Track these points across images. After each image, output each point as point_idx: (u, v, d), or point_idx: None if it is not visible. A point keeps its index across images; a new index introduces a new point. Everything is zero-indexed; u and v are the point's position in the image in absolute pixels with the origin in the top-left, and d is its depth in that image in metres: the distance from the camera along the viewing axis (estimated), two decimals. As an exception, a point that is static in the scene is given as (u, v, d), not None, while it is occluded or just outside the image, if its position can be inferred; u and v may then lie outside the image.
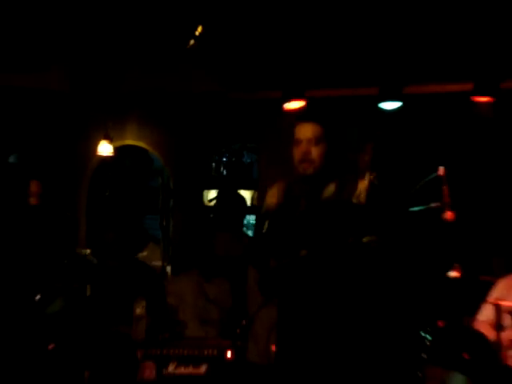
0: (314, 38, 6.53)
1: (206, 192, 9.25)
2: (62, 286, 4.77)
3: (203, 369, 4.81)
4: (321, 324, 3.84)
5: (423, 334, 4.68)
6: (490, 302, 4.84)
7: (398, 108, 6.69)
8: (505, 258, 5.80)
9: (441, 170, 4.45)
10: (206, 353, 4.85)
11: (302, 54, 6.72)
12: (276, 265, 3.93)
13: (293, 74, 6.68)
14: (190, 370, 4.82)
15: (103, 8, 6.15)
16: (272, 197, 3.98)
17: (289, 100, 6.49)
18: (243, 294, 5.84)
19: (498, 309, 4.69)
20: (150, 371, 4.81)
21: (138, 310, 5.19)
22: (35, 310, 4.68)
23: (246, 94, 8.02)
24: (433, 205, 4.36)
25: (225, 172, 10.04)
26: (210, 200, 8.99)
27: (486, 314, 4.98)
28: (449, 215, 4.32)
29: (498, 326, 4.66)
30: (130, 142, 8.99)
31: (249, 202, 9.01)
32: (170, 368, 4.84)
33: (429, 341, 4.69)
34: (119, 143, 8.72)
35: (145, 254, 7.73)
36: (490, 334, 4.74)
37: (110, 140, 8.26)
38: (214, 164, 9.67)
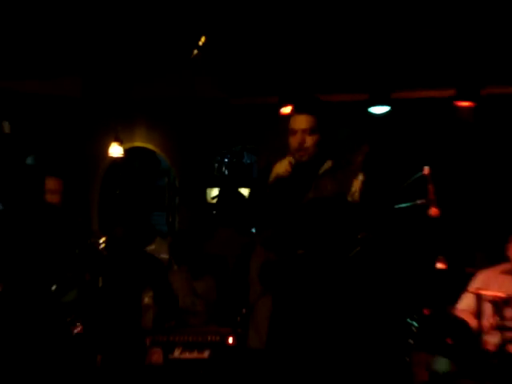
0: (308, 49, 6.54)
1: (209, 190, 9.25)
2: (76, 277, 4.76)
3: (206, 354, 4.82)
4: (313, 313, 3.84)
5: (410, 322, 4.69)
6: (471, 292, 4.85)
7: (387, 112, 6.70)
8: (486, 252, 5.81)
9: (426, 170, 4.46)
10: (209, 339, 4.86)
11: (298, 64, 6.73)
12: (276, 260, 3.94)
13: (289, 81, 6.69)
14: (194, 354, 4.83)
15: (113, 21, 6.15)
16: (283, 166, 3.95)
17: (285, 105, 6.50)
18: (228, 288, 5.89)
19: (479, 298, 4.70)
20: (157, 356, 4.82)
21: (146, 300, 5.21)
22: (51, 299, 4.68)
23: (246, 99, 8.03)
24: (419, 202, 4.36)
25: (226, 172, 10.04)
26: (213, 197, 9.00)
27: (466, 302, 4.98)
28: (434, 211, 4.32)
29: (479, 314, 4.67)
30: (138, 144, 9.00)
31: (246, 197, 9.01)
32: (176, 353, 4.85)
33: (415, 327, 4.70)
34: (129, 145, 8.73)
35: (152, 247, 7.73)
36: (471, 321, 4.75)
37: (120, 142, 8.25)
38: (216, 164, 9.67)
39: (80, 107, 8.46)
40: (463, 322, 4.79)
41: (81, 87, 8.22)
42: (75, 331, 4.55)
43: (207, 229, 6.45)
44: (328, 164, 4.00)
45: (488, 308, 4.68)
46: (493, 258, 5.20)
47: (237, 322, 4.67)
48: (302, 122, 3.94)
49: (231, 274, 5.75)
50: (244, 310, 4.60)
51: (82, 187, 8.35)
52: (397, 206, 4.29)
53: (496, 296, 4.68)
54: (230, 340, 4.73)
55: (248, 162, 10.15)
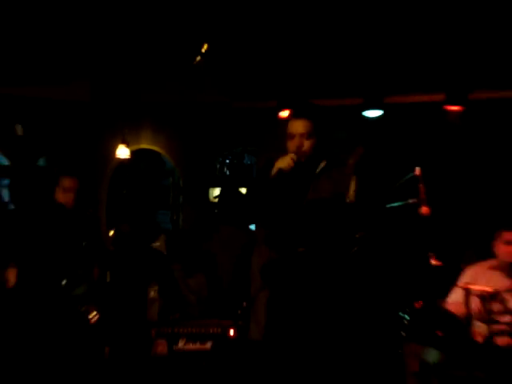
0: (305, 56, 6.54)
1: (211, 189, 9.24)
2: (85, 272, 4.76)
3: (209, 345, 4.82)
4: (312, 308, 3.84)
5: (402, 315, 4.69)
6: (460, 286, 4.85)
7: (380, 116, 6.70)
8: (474, 249, 5.81)
9: (417, 171, 4.46)
10: (211, 331, 4.86)
11: (296, 70, 6.73)
12: (277, 257, 3.94)
13: (287, 86, 6.69)
14: (197, 346, 4.83)
15: (120, 30, 6.16)
16: (286, 161, 3.96)
17: (283, 109, 6.51)
18: (216, 285, 5.90)
19: (468, 292, 4.70)
20: (162, 347, 4.82)
21: (152, 294, 5.21)
22: (62, 293, 4.68)
23: (246, 103, 8.02)
24: (410, 201, 4.37)
25: (228, 172, 10.03)
26: (215, 197, 9.00)
27: (456, 296, 4.98)
28: (424, 210, 4.32)
29: (468, 307, 4.67)
30: (144, 146, 8.98)
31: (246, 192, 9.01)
32: (180, 344, 4.86)
33: (407, 320, 4.70)
34: (135, 147, 8.72)
35: (158, 244, 7.73)
36: (460, 314, 4.75)
37: (127, 144, 8.24)
38: (218, 165, 9.65)
39: (89, 111, 8.45)
40: (452, 315, 4.79)
41: (90, 92, 8.20)
42: (92, 320, 4.56)
43: (209, 227, 6.45)
44: (323, 164, 4.02)
45: (476, 302, 4.68)
46: (481, 255, 5.20)
47: (238, 314, 4.68)
48: (299, 126, 3.97)
49: (233, 270, 5.75)
50: (244, 304, 4.61)
51: (91, 186, 8.35)
52: (390, 205, 4.29)
53: (483, 290, 4.68)
54: (231, 332, 4.74)
55: (248, 163, 10.12)
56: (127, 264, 5.39)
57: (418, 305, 4.77)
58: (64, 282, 4.69)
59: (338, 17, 5.82)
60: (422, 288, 5.16)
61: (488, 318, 4.57)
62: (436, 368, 4.61)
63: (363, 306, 3.99)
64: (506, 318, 4.61)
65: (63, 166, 5.56)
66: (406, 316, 4.71)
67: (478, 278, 5.01)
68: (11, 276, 4.82)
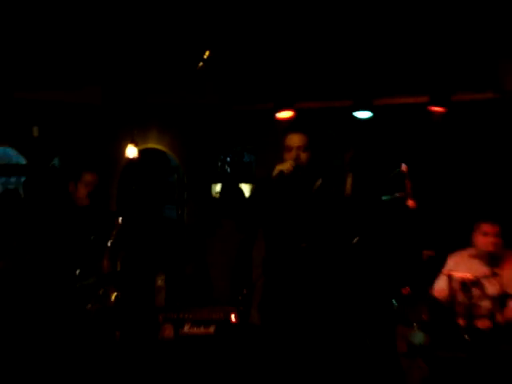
0: (300, 62, 6.54)
1: (213, 185, 9.24)
2: (95, 264, 4.75)
3: (212, 329, 4.81)
4: (307, 293, 3.84)
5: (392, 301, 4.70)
6: (444, 274, 4.85)
7: (370, 117, 6.69)
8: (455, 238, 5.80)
9: (403, 167, 4.46)
10: (214, 316, 4.86)
11: (291, 75, 6.73)
12: (280, 252, 3.93)
13: (283, 90, 6.69)
14: (201, 330, 4.83)
15: (129, 39, 6.16)
16: (286, 165, 3.98)
17: (280, 110, 6.50)
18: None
19: (451, 278, 4.71)
20: (169, 331, 4.82)
21: (159, 282, 5.20)
22: (76, 281, 4.68)
23: (245, 106, 8.01)
24: (397, 195, 4.37)
25: (228, 169, 10.02)
26: (217, 192, 8.99)
27: (440, 283, 4.99)
28: (411, 203, 4.33)
29: (451, 293, 4.68)
30: (151, 145, 8.97)
31: (248, 194, 8.99)
32: (186, 329, 4.85)
33: (395, 306, 4.71)
34: (143, 147, 8.70)
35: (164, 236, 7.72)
36: (444, 298, 4.76)
37: (136, 144, 8.24)
38: (219, 163, 9.64)
39: (100, 114, 8.43)
40: (437, 300, 4.80)
41: (101, 96, 8.19)
42: (112, 301, 4.54)
43: (212, 222, 6.43)
44: (319, 182, 4.03)
45: (458, 287, 4.69)
46: (461, 244, 5.19)
47: (239, 301, 4.67)
48: (296, 139, 4.02)
49: (235, 260, 5.74)
50: (245, 291, 4.60)
51: (102, 184, 8.33)
52: (380, 198, 4.30)
53: (464, 277, 4.69)
54: (233, 317, 4.73)
55: (247, 160, 10.10)
56: (136, 255, 5.38)
57: (405, 291, 4.78)
58: (78, 272, 4.68)
59: (330, 27, 5.84)
60: (412, 276, 5.15)
61: (469, 302, 4.57)
62: (422, 349, 4.61)
63: (358, 292, 3.99)
64: (485, 303, 4.62)
65: (85, 163, 5.55)
66: (394, 301, 4.73)
67: (460, 266, 5.01)
68: None
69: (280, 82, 6.79)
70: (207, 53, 6.18)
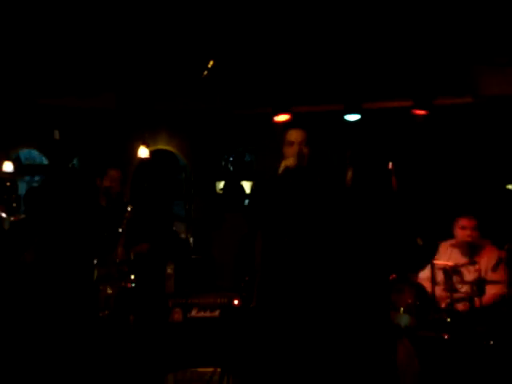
0: (295, 70, 6.53)
1: (217, 183, 9.23)
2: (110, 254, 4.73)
3: (217, 313, 4.80)
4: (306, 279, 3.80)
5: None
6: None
7: (359, 120, 6.68)
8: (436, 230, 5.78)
9: (390, 165, 4.45)
10: (219, 301, 4.84)
11: (287, 81, 6.72)
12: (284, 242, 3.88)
13: (280, 96, 6.67)
14: (207, 313, 4.81)
15: (140, 52, 6.16)
16: (290, 160, 3.90)
17: (277, 114, 6.49)
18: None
19: (433, 266, 4.70)
20: (178, 315, 4.81)
21: (169, 270, 5.18)
22: (92, 271, 4.67)
23: (246, 110, 8.00)
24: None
25: (231, 168, 10.00)
26: (221, 189, 8.98)
27: (424, 270, 4.98)
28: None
29: (433, 279, 4.67)
30: (161, 146, 8.96)
31: (249, 191, 8.98)
32: (193, 312, 4.83)
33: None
34: (153, 148, 8.69)
35: (173, 229, 7.71)
36: (427, 283, 4.75)
37: (147, 146, 8.22)
38: (223, 162, 9.62)
39: (115, 118, 8.43)
40: (421, 286, 4.80)
41: (115, 102, 8.18)
42: (129, 286, 4.53)
43: (217, 217, 6.39)
44: (317, 180, 3.97)
45: (440, 274, 4.69)
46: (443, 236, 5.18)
47: (241, 287, 4.65)
48: (298, 135, 3.94)
49: (238, 250, 5.71)
50: (247, 278, 4.59)
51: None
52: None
53: (446, 265, 4.69)
54: (236, 302, 4.72)
55: (248, 159, 10.09)
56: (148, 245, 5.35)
57: (390, 277, 4.77)
58: (95, 262, 4.67)
59: (322, 40, 5.84)
60: (398, 263, 5.12)
61: (450, 287, 4.57)
62: (407, 330, 4.61)
63: (354, 276, 3.96)
64: (464, 288, 4.61)
65: (110, 160, 5.54)
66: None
67: (442, 255, 5.01)
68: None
69: (277, 88, 6.77)
70: (211, 62, 6.16)
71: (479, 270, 4.57)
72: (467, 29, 5.65)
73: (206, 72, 6.22)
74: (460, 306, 4.61)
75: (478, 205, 5.49)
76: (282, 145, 4.00)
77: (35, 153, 9.54)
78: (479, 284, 4.49)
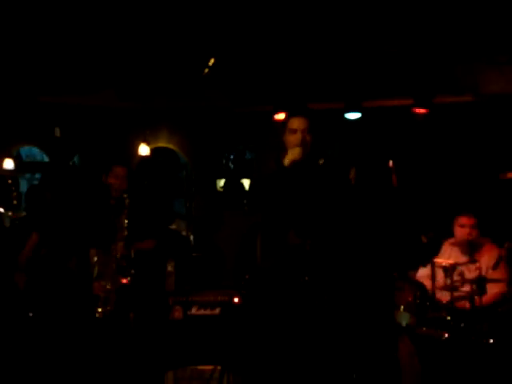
0: (296, 68, 6.51)
1: (218, 181, 9.21)
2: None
3: (218, 311, 4.77)
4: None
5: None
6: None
7: (359, 118, 6.66)
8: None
9: (390, 163, 4.43)
10: (219, 299, 4.81)
11: (288, 80, 6.70)
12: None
13: (280, 94, 6.65)
14: (207, 311, 4.79)
15: (139, 50, 6.15)
16: (296, 152, 3.79)
17: (277, 112, 6.46)
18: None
19: (433, 264, 4.68)
20: (178, 313, 4.78)
21: (169, 268, 5.16)
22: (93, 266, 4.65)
23: (247, 108, 7.98)
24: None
25: (232, 166, 9.99)
26: (221, 187, 8.97)
27: (424, 269, 4.95)
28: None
29: (433, 277, 4.65)
30: (162, 144, 8.95)
31: (251, 187, 8.96)
32: (193, 310, 4.81)
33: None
34: (154, 145, 8.68)
35: (174, 226, 7.69)
36: (427, 282, 4.73)
37: (148, 143, 8.21)
38: (223, 160, 9.61)
39: (115, 116, 8.41)
40: (420, 284, 4.77)
41: (116, 99, 8.17)
42: (128, 281, 4.50)
43: (217, 217, 6.35)
44: (321, 161, 3.89)
45: (440, 272, 4.66)
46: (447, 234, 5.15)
47: (241, 285, 4.63)
48: (301, 122, 3.80)
49: (239, 249, 5.67)
50: (247, 276, 4.55)
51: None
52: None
53: (446, 263, 4.66)
54: (236, 300, 4.69)
55: (249, 157, 10.08)
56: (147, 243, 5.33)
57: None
58: (95, 259, 4.64)
59: (323, 39, 5.82)
60: (399, 261, 5.08)
61: (450, 286, 4.55)
62: (407, 328, 4.58)
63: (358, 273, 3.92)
64: (465, 287, 4.59)
65: (115, 157, 5.47)
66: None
67: (443, 253, 4.99)
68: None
69: (278, 86, 6.75)
70: (212, 61, 6.14)
71: (479, 269, 4.54)
72: (468, 27, 5.63)
73: (206, 70, 6.20)
74: (460, 305, 4.58)
75: (478, 203, 5.46)
76: (282, 134, 3.88)
77: (36, 150, 9.52)
78: (480, 282, 4.46)
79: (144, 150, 8.21)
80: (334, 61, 6.42)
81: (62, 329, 4.68)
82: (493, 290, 4.57)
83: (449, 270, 4.57)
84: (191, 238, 7.76)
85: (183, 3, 5.36)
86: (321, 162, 3.88)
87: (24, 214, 6.33)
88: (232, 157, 9.94)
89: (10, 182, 6.69)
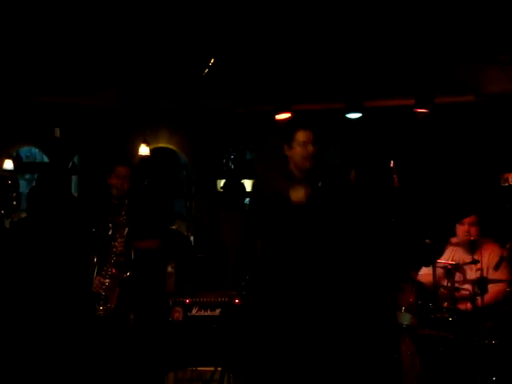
0: (297, 68, 6.51)
1: (218, 181, 9.21)
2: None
3: (218, 312, 4.78)
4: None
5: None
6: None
7: (360, 117, 6.65)
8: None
9: (391, 163, 4.42)
10: (220, 300, 4.81)
11: (288, 80, 6.69)
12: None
13: (281, 94, 6.64)
14: (208, 312, 4.79)
15: (140, 50, 6.15)
16: (300, 196, 3.83)
17: (278, 112, 6.46)
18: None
19: (434, 264, 4.67)
20: (178, 314, 4.78)
21: (169, 269, 5.16)
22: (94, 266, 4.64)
23: (247, 108, 7.97)
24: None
25: (232, 166, 9.98)
26: (222, 187, 8.96)
27: (425, 269, 4.94)
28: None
29: (434, 278, 4.64)
30: (162, 144, 8.94)
31: (250, 189, 8.97)
32: (194, 311, 4.81)
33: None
34: (154, 146, 8.67)
35: (174, 227, 7.69)
36: (428, 283, 4.72)
37: (148, 144, 8.21)
38: (224, 160, 9.61)
39: (115, 116, 8.40)
40: (422, 285, 4.76)
41: (116, 100, 8.16)
42: (126, 275, 4.49)
43: (217, 217, 6.33)
44: (319, 184, 3.91)
45: (442, 273, 4.66)
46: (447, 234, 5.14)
47: (242, 286, 4.62)
48: (309, 135, 3.87)
49: (239, 250, 5.64)
50: (247, 277, 4.54)
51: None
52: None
53: (447, 263, 4.66)
54: (237, 301, 4.69)
55: (249, 157, 10.08)
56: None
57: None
58: (95, 260, 4.63)
59: (324, 39, 5.82)
60: (408, 262, 5.06)
61: (452, 286, 4.54)
62: (409, 329, 4.58)
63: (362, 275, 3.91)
64: (466, 287, 4.58)
65: (117, 157, 5.43)
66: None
67: (444, 253, 4.98)
68: None
69: (278, 86, 6.74)
70: (212, 60, 6.14)
71: (481, 269, 4.53)
72: (469, 27, 5.62)
73: (207, 70, 6.20)
74: (462, 305, 4.57)
75: (480, 203, 5.45)
76: (286, 145, 3.90)
77: (35, 150, 9.52)
78: (481, 283, 4.45)
79: (144, 150, 8.21)
80: (335, 61, 6.41)
81: (62, 329, 4.67)
82: (494, 289, 4.56)
83: (450, 270, 4.56)
84: (192, 238, 7.76)
85: (183, 3, 5.36)
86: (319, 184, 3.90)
87: (24, 214, 6.34)
88: (232, 157, 9.93)
89: (9, 182, 6.67)
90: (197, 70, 6.44)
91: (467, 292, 4.54)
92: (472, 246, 4.81)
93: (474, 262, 4.62)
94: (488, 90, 6.72)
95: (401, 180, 4.48)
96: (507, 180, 5.95)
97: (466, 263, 4.69)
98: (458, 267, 4.65)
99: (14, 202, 6.18)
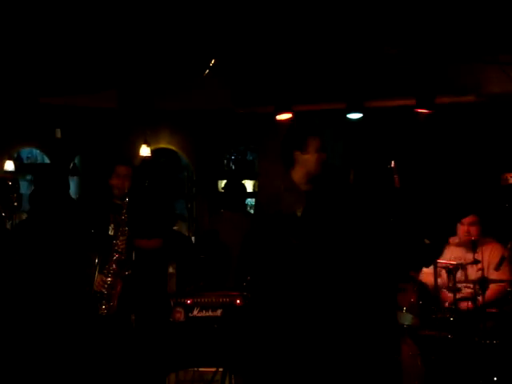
0: (297, 68, 6.51)
1: (219, 182, 9.22)
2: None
3: (219, 312, 4.78)
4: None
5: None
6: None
7: (361, 118, 6.65)
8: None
9: (392, 163, 4.42)
10: (221, 300, 4.81)
11: (289, 80, 6.70)
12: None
13: (282, 94, 6.65)
14: (209, 313, 4.79)
15: (141, 50, 6.15)
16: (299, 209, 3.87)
17: (279, 113, 6.46)
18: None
19: (435, 264, 4.68)
20: (179, 314, 4.78)
21: (171, 269, 5.16)
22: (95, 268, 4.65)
23: (248, 109, 7.98)
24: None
25: (233, 167, 9.99)
26: (223, 188, 8.96)
27: (427, 269, 4.95)
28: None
29: (436, 278, 4.65)
30: (163, 145, 8.96)
31: (251, 189, 8.97)
32: (195, 312, 4.81)
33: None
34: (155, 146, 8.69)
35: (175, 228, 7.69)
36: (430, 283, 4.73)
37: (148, 144, 8.22)
38: (225, 161, 9.62)
39: (116, 117, 8.41)
40: (424, 285, 4.77)
41: (117, 101, 8.17)
42: (126, 273, 4.50)
43: (218, 218, 6.32)
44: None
45: (443, 273, 4.66)
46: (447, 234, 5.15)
47: (243, 286, 4.62)
48: (317, 143, 3.90)
49: (240, 250, 5.65)
50: (249, 278, 4.55)
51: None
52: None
53: (448, 263, 4.67)
54: (238, 301, 4.69)
55: (250, 158, 10.08)
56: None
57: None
58: (97, 261, 4.64)
59: (324, 38, 5.82)
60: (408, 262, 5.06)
61: (453, 286, 4.54)
62: (410, 329, 4.58)
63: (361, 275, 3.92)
64: (467, 287, 4.59)
65: (118, 156, 5.44)
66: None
67: (446, 253, 4.98)
68: None
69: (279, 86, 6.75)
70: (213, 61, 6.15)
71: (482, 269, 4.54)
72: (470, 27, 5.62)
73: (207, 71, 6.21)
74: (463, 306, 4.58)
75: (481, 203, 5.45)
76: (299, 151, 3.91)
77: (36, 151, 9.53)
78: (482, 283, 4.46)
79: (145, 151, 8.22)
80: (336, 61, 6.41)
81: (64, 330, 4.68)
82: (495, 287, 4.57)
83: (452, 270, 4.57)
84: (193, 239, 7.76)
85: (184, 4, 5.36)
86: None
87: (25, 215, 6.35)
88: (233, 157, 9.94)
89: (10, 183, 6.69)
90: (197, 70, 6.45)
91: (468, 292, 4.55)
92: (473, 246, 4.82)
93: (475, 262, 4.62)
94: (489, 91, 6.72)
95: (401, 180, 4.49)
96: (507, 180, 5.95)
97: (468, 263, 4.70)
98: (460, 267, 4.65)
99: (15, 203, 6.20)
